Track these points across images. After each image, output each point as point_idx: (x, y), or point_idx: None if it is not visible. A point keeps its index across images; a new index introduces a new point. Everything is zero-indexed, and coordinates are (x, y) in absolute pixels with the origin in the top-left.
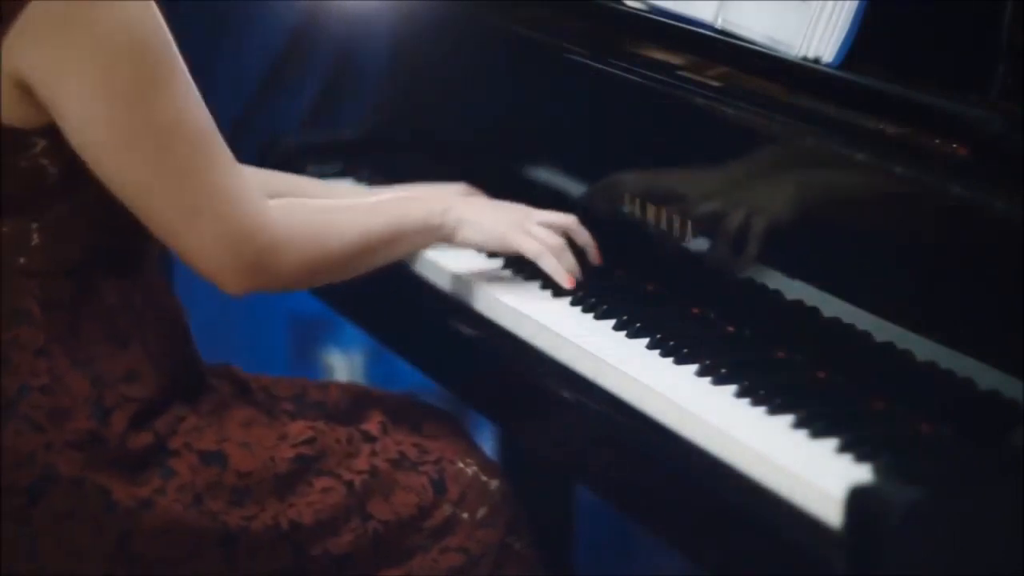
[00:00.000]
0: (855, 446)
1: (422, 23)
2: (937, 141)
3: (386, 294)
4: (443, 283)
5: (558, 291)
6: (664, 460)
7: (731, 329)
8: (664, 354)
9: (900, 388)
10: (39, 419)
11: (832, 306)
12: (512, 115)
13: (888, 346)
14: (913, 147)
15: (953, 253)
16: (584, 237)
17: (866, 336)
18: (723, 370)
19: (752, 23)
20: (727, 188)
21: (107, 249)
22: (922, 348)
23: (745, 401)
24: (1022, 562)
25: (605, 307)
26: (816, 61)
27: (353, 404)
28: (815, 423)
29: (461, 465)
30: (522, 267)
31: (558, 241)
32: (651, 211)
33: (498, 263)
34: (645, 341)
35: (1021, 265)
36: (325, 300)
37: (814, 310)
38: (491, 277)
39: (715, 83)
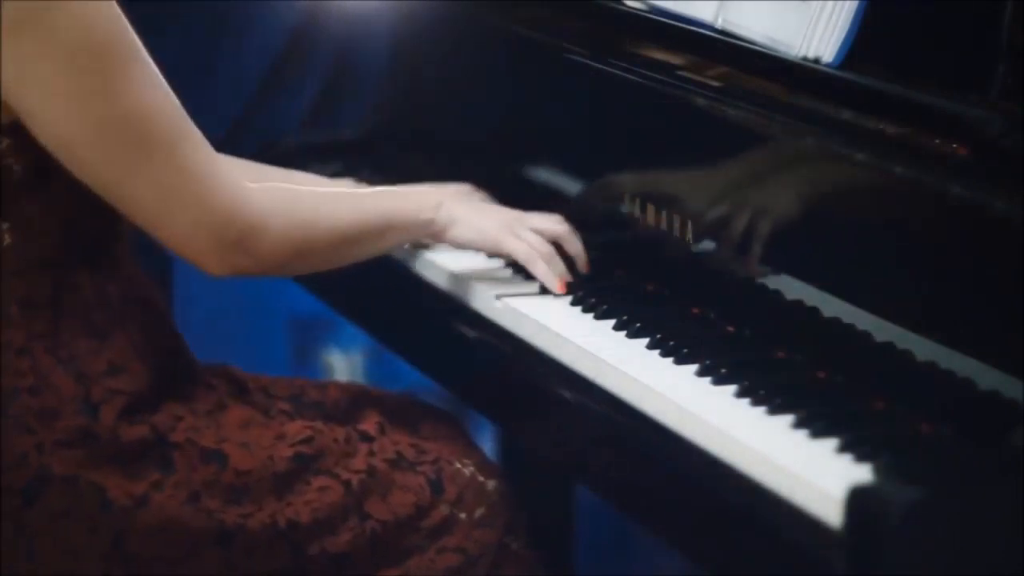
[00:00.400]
0: (855, 446)
1: (422, 23)
2: (937, 141)
3: (386, 294)
4: (443, 283)
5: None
6: (664, 460)
7: (731, 329)
8: (664, 354)
9: (900, 388)
10: (28, 420)
11: (832, 306)
12: (512, 115)
13: (888, 346)
14: (913, 147)
15: (953, 253)
16: (575, 246)
17: (866, 336)
18: (723, 370)
19: (752, 23)
20: (727, 188)
21: (80, 244)
22: (922, 348)
23: (745, 401)
24: (1022, 562)
25: (605, 307)
26: (816, 61)
27: (351, 404)
28: (815, 423)
29: (458, 465)
30: (522, 267)
31: (548, 248)
32: (651, 211)
33: (498, 263)
34: (645, 341)
35: (1021, 265)
36: (325, 300)
37: (814, 310)
38: (491, 277)
39: (715, 83)
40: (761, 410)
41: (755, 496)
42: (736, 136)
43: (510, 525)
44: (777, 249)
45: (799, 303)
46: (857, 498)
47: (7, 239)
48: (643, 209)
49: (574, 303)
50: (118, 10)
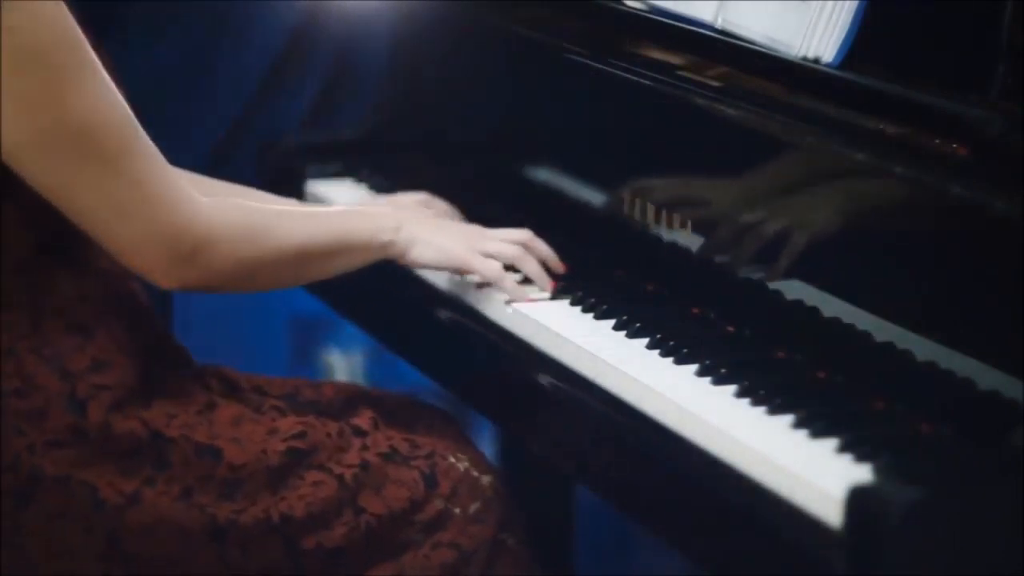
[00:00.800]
0: (855, 446)
1: (422, 23)
2: (937, 141)
3: (386, 294)
4: (443, 283)
5: (557, 291)
6: (664, 460)
7: (731, 329)
8: (664, 354)
9: (900, 388)
10: (18, 422)
11: (832, 306)
12: (512, 115)
13: (888, 346)
14: (913, 147)
15: (953, 253)
16: (542, 250)
17: (866, 336)
18: (723, 370)
19: (752, 23)
20: (727, 188)
21: (56, 243)
22: (922, 348)
23: (745, 401)
24: (1022, 562)
25: (605, 307)
26: (816, 61)
27: (346, 402)
28: (815, 423)
29: (452, 460)
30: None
31: (516, 251)
32: (651, 211)
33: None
34: (645, 341)
35: (1021, 265)
36: (325, 300)
37: (814, 310)
38: None
39: (715, 83)
40: (761, 410)
41: (755, 496)
42: (736, 136)
43: (505, 521)
44: (777, 249)
45: (799, 303)
46: (857, 498)
47: None
48: (643, 209)
49: (574, 303)
50: (70, 18)
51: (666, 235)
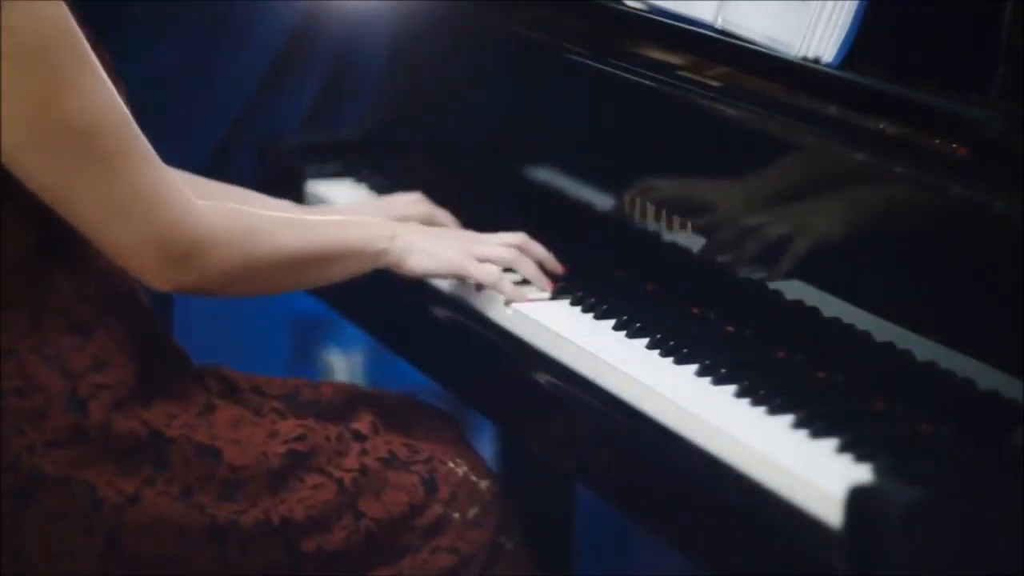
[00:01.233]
0: (855, 446)
1: (422, 23)
2: (937, 141)
3: (386, 294)
4: (443, 283)
5: (557, 291)
6: (664, 460)
7: (731, 329)
8: (664, 354)
9: (900, 388)
10: (18, 422)
11: (832, 306)
12: (512, 115)
13: (888, 346)
14: (913, 147)
15: (953, 253)
16: (537, 252)
17: (866, 336)
18: (723, 370)
19: (752, 23)
20: (727, 188)
21: (55, 243)
22: (922, 348)
23: (745, 401)
24: (1022, 562)
25: (605, 307)
26: (816, 61)
27: (346, 403)
28: (815, 423)
29: (452, 465)
30: None
31: (512, 254)
32: (651, 211)
33: None
34: (645, 341)
35: (1021, 265)
36: (325, 300)
37: (814, 310)
38: None
39: (715, 83)
40: (761, 410)
41: (755, 496)
42: (736, 136)
43: (503, 525)
44: (777, 249)
45: (799, 303)
46: (857, 498)
47: None
48: (643, 209)
49: (574, 303)
50: (70, 17)
51: (666, 235)
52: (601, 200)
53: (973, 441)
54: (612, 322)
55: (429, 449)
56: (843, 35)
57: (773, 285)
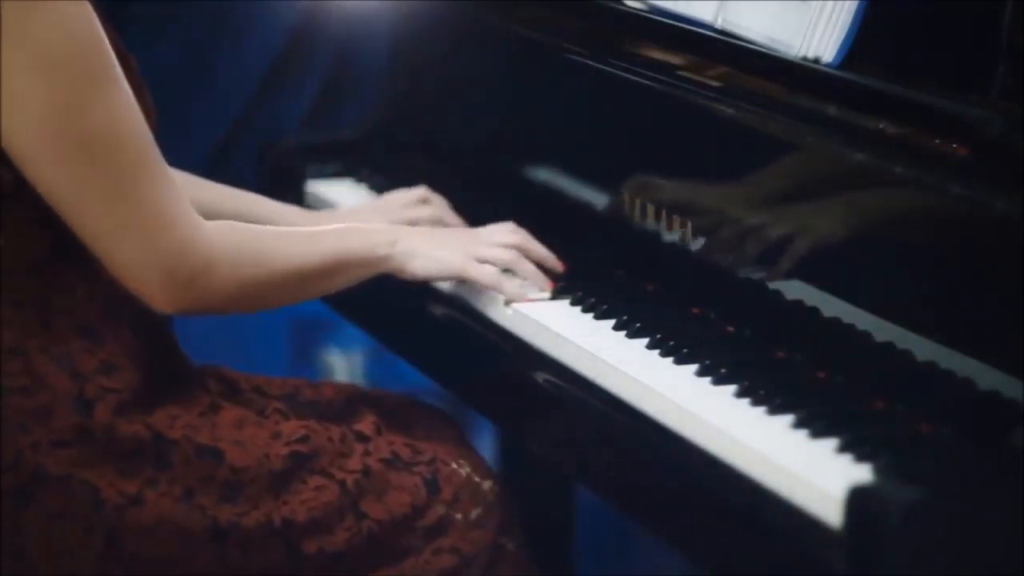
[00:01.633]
0: (855, 446)
1: (422, 23)
2: (937, 141)
3: (386, 294)
4: (443, 283)
5: (557, 291)
6: (664, 460)
7: (731, 329)
8: (664, 354)
9: (900, 388)
10: (23, 420)
11: (832, 306)
12: (512, 115)
13: (888, 346)
14: (913, 147)
15: (953, 253)
16: (538, 251)
17: (866, 336)
18: (723, 370)
19: (752, 23)
20: (727, 188)
21: (71, 245)
22: (922, 348)
23: (745, 401)
24: (1022, 562)
25: (605, 307)
26: (816, 61)
27: (347, 404)
28: (815, 423)
29: (454, 466)
30: None
31: (511, 255)
32: (651, 211)
33: None
34: (645, 341)
35: (1021, 265)
36: (325, 301)
37: (814, 310)
38: None
39: (715, 83)
40: (761, 410)
41: (755, 496)
42: (736, 136)
43: (505, 526)
44: (777, 249)
45: (799, 303)
46: (857, 498)
47: None
48: (643, 209)
49: (574, 303)
50: (98, 25)
51: (666, 235)
52: (601, 200)
53: (973, 441)
54: (612, 322)
55: (432, 450)
56: (843, 35)
57: (773, 285)
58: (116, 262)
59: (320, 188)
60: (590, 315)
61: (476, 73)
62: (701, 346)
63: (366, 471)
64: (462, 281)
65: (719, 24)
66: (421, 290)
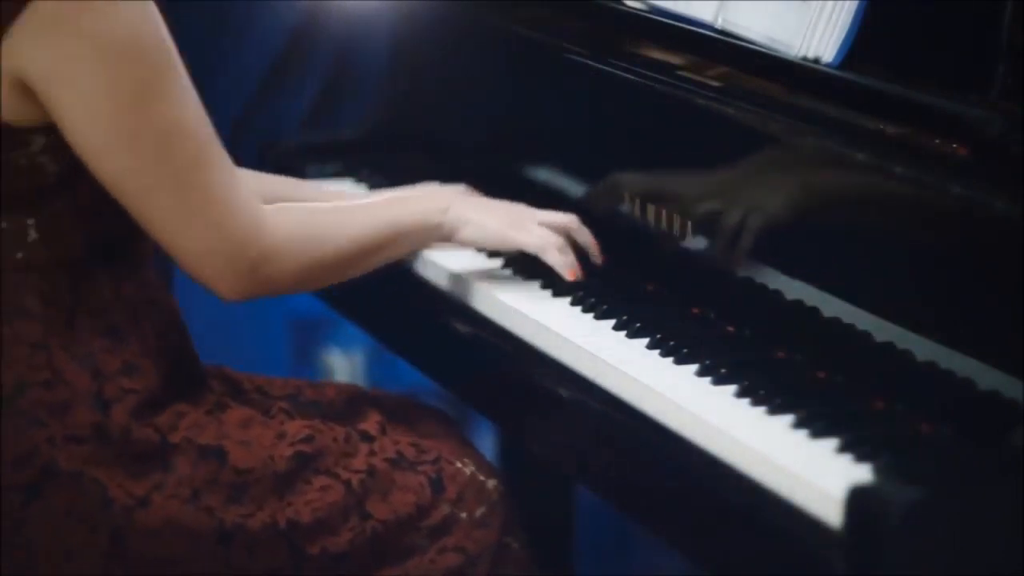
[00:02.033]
0: (855, 446)
1: (422, 23)
2: (937, 141)
3: (386, 294)
4: (443, 283)
5: (558, 291)
6: (664, 460)
7: (731, 329)
8: (664, 354)
9: (900, 388)
10: (40, 414)
11: (832, 306)
12: (512, 115)
13: (888, 346)
14: (913, 147)
15: (953, 253)
16: (585, 236)
17: (866, 336)
18: (723, 370)
19: (752, 23)
20: (727, 188)
21: (104, 244)
22: (922, 348)
23: (745, 401)
24: (1022, 562)
25: (605, 307)
26: (816, 61)
27: (349, 404)
28: (815, 423)
29: (459, 465)
30: (522, 267)
31: (559, 239)
32: (651, 211)
33: (498, 262)
34: (645, 341)
35: (1021, 265)
36: (325, 300)
37: (814, 310)
38: (491, 276)
39: (715, 83)
40: (761, 410)
41: (755, 496)
42: (736, 136)
43: (509, 525)
44: (777, 249)
45: (799, 303)
46: (857, 498)
47: (32, 235)
48: (643, 209)
49: (574, 303)
50: (162, 22)
51: (666, 235)
52: (601, 199)
53: (973, 441)
54: (612, 322)
55: (436, 449)
56: (843, 35)
57: (773, 285)
58: (182, 251)
59: None
60: (590, 315)
61: (476, 73)
62: (701, 346)
63: (371, 471)
64: (509, 249)
65: (719, 24)
66: (421, 290)
